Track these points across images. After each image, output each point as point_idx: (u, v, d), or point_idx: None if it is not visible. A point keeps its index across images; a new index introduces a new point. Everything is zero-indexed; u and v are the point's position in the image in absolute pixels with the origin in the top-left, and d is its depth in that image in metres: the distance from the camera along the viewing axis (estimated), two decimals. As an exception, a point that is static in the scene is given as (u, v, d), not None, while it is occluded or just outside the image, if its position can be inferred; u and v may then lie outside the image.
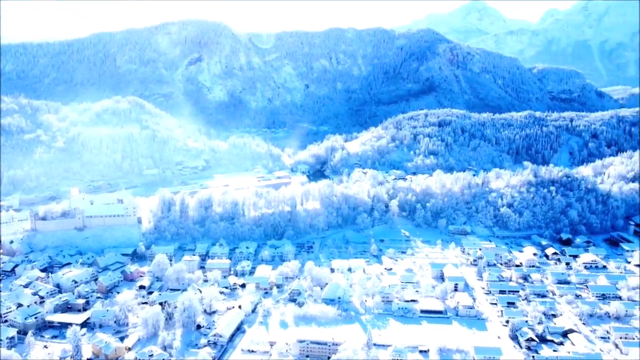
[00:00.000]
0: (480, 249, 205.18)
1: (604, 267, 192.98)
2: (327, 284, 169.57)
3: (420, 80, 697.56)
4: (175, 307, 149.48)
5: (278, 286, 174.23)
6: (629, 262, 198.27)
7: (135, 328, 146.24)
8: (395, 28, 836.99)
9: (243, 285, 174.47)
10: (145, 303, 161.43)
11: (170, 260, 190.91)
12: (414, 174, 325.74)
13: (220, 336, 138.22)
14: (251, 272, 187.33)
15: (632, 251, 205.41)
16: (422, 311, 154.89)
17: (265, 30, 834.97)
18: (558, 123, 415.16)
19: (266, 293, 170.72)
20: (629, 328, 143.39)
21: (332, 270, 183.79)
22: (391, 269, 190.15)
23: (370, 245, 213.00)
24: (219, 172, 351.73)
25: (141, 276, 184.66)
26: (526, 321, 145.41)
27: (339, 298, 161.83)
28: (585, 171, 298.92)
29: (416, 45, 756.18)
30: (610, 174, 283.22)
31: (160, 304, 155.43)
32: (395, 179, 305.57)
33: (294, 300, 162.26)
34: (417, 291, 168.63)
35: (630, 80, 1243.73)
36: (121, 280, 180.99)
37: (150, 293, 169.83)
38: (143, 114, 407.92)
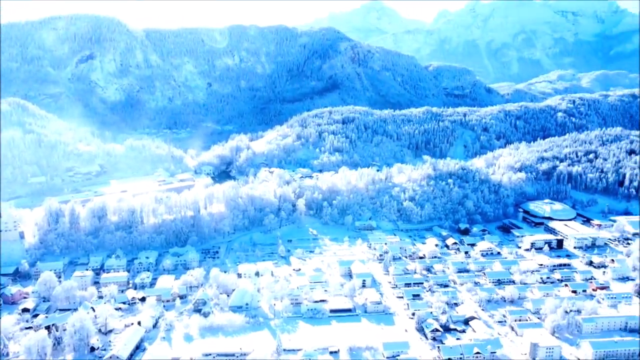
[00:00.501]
0: (385, 244, 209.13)
1: (499, 253, 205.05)
2: (234, 290, 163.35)
3: (324, 78, 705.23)
4: (65, 330, 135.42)
5: (182, 297, 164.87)
6: (520, 247, 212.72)
7: (17, 358, 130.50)
8: (297, 26, 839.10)
9: (143, 299, 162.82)
10: (30, 328, 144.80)
11: (59, 278, 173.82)
12: (320, 171, 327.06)
13: (117, 357, 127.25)
14: (152, 284, 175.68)
15: (522, 237, 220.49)
16: (332, 311, 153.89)
17: (163, 26, 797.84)
18: (453, 118, 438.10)
19: (169, 305, 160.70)
20: (522, 310, 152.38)
21: (239, 276, 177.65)
22: (300, 269, 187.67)
23: (278, 247, 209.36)
24: (116, 178, 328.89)
25: (24, 298, 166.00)
26: (431, 312, 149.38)
27: (247, 304, 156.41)
28: (478, 163, 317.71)
29: (319, 44, 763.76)
30: (501, 165, 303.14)
31: (47, 327, 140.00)
32: (301, 177, 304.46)
33: (199, 311, 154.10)
34: (326, 290, 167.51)
35: (514, 77, 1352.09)
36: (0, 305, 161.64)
37: (35, 316, 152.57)
38: (26, 116, 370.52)
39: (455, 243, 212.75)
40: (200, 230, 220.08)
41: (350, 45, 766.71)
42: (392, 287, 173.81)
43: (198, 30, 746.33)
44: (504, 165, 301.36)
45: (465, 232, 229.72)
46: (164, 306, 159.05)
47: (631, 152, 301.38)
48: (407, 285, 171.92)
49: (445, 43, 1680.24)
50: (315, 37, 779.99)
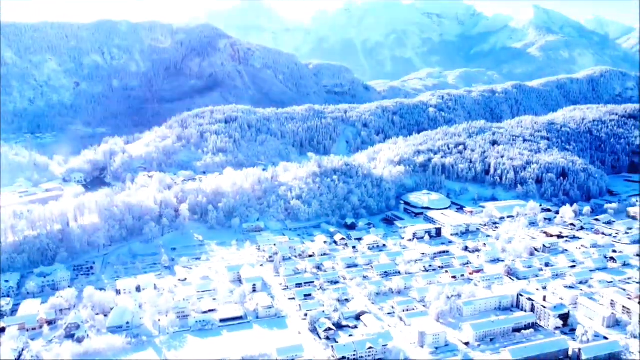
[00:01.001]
0: (274, 245, 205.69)
1: (384, 245, 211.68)
2: (112, 309, 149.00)
3: (204, 76, 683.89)
4: None
5: (50, 322, 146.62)
6: (403, 238, 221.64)
7: None
8: (173, 23, 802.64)
9: (2, 330, 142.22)
10: None
11: None
12: (204, 173, 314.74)
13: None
14: (13, 311, 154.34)
15: (404, 228, 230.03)
16: (222, 320, 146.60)
17: (20, 20, 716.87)
18: (334, 115, 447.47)
19: (35, 334, 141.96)
20: (409, 300, 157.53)
21: (118, 292, 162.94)
22: (186, 279, 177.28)
23: (160, 257, 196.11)
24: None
25: None
26: (323, 311, 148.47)
27: (128, 323, 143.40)
28: (360, 158, 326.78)
29: (196, 41, 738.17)
30: (381, 160, 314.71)
31: None
32: (184, 180, 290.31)
33: (71, 336, 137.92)
34: (214, 299, 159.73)
35: (388, 74, 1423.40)
36: None
37: None
38: None
39: (343, 238, 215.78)
40: (71, 245, 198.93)
41: (230, 42, 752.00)
42: (284, 289, 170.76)
43: (61, 25, 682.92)
44: (385, 159, 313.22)
45: (352, 226, 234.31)
46: (28, 336, 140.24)
47: (494, 142, 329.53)
48: (298, 285, 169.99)
49: (324, 42, 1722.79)
50: (193, 33, 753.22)
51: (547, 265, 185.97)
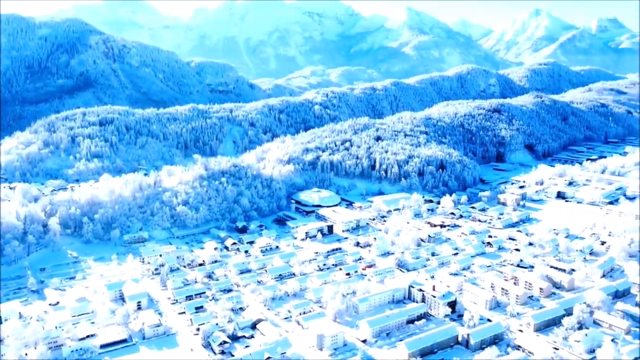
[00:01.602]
0: (160, 255, 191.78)
1: (277, 247, 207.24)
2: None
3: (74, 75, 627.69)
4: None
5: None
6: (296, 238, 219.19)
7: None
8: (35, 17, 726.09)
9: None
10: None
11: None
12: (77, 182, 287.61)
13: None
14: None
15: (297, 227, 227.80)
16: (102, 346, 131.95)
17: None
18: (220, 114, 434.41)
19: None
20: (305, 302, 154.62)
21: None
22: (58, 302, 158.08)
23: (27, 279, 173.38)
24: None
25: None
26: (217, 323, 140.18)
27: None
28: (249, 158, 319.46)
29: (63, 36, 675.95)
30: (270, 159, 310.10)
31: None
32: (53, 190, 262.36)
33: None
34: (93, 323, 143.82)
35: (273, 72, 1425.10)
36: None
37: None
38: None
39: (235, 243, 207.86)
40: None
41: (102, 39, 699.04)
42: (173, 303, 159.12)
43: None
44: (274, 158, 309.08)
45: (244, 230, 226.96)
46: None
47: (378, 138, 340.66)
48: (189, 298, 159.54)
49: (206, 39, 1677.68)
50: (59, 28, 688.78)
51: (433, 254, 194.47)
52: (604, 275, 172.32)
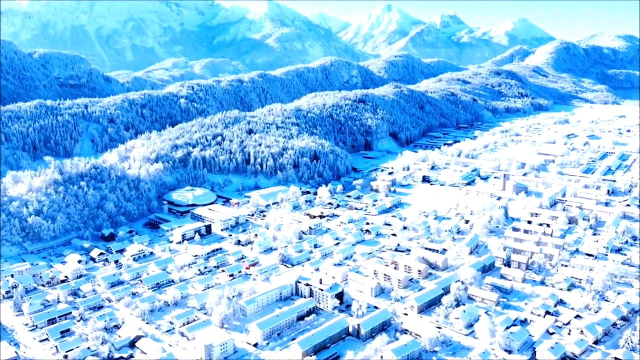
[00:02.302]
0: (11, 276, 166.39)
1: (152, 253, 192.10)
2: None
3: None
4: None
5: None
6: (172, 242, 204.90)
7: None
8: None
9: None
10: None
11: None
12: None
13: None
14: None
15: (172, 230, 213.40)
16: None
17: None
18: (73, 111, 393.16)
19: None
20: (188, 311, 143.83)
21: None
22: None
23: None
24: None
25: None
26: (88, 347, 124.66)
27: None
28: (111, 158, 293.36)
29: None
30: (136, 158, 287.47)
31: None
32: None
33: None
34: None
35: (130, 64, 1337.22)
36: None
37: None
38: None
39: (102, 253, 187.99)
40: None
41: None
42: (32, 330, 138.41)
43: None
44: (140, 157, 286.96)
45: (111, 237, 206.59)
46: None
47: (250, 131, 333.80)
48: (51, 321, 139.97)
49: (49, 28, 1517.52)
50: None
51: (315, 246, 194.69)
52: (471, 252, 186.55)
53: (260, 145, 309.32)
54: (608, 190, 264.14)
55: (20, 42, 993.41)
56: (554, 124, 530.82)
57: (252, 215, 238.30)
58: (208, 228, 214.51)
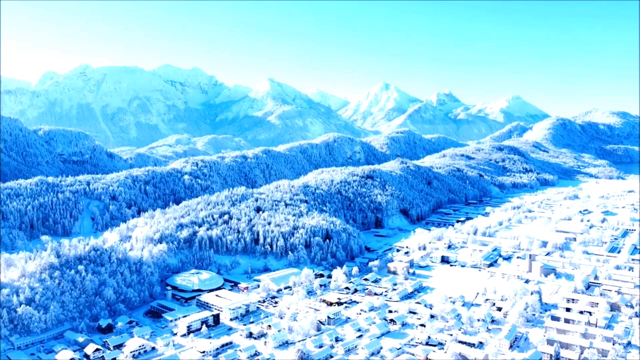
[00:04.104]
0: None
1: (153, 348, 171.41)
2: None
3: None
4: None
5: None
6: (176, 334, 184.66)
7: None
8: None
9: None
10: None
11: None
12: None
13: None
14: None
15: (176, 320, 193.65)
16: None
17: None
18: (75, 188, 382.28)
19: None
20: None
21: None
22: None
23: None
24: None
25: None
26: None
27: None
28: (112, 238, 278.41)
29: None
30: (138, 238, 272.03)
31: None
32: None
33: None
34: None
35: (133, 141, 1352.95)
36: None
37: None
38: None
39: (98, 349, 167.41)
40: None
41: None
42: None
43: None
44: (142, 237, 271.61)
45: (109, 329, 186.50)
46: None
47: (258, 209, 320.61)
48: None
49: (56, 106, 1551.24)
50: None
51: (337, 340, 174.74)
52: (511, 346, 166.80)
53: (269, 224, 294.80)
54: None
55: (27, 120, 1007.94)
56: (564, 199, 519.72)
57: (264, 301, 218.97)
58: (216, 318, 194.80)
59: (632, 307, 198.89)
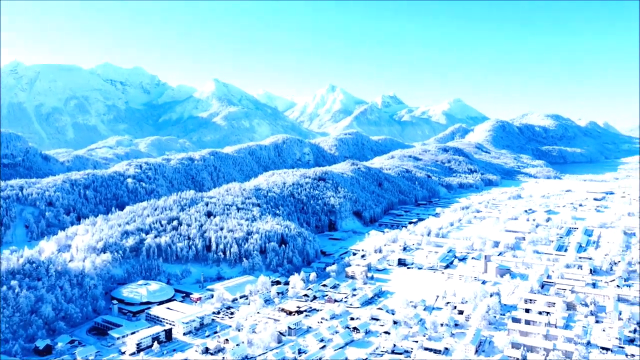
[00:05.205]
0: None
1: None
2: None
3: None
4: None
5: None
6: (124, 352, 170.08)
7: None
8: None
9: None
10: None
11: None
12: None
13: None
14: None
15: (123, 337, 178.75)
16: None
17: None
18: (7, 193, 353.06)
19: None
20: None
21: None
22: None
23: None
24: None
25: None
26: None
27: None
28: (48, 247, 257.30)
29: None
30: (79, 247, 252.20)
31: None
32: None
33: None
34: None
35: (71, 143, 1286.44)
36: None
37: None
38: None
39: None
40: None
41: None
42: None
43: None
44: (83, 246, 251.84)
45: (47, 351, 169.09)
46: None
47: (209, 214, 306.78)
48: None
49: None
50: None
51: (300, 352, 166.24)
52: (477, 351, 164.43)
53: (222, 229, 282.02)
54: (590, 270, 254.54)
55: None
56: (508, 199, 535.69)
57: (219, 312, 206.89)
58: (168, 333, 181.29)
59: (586, 305, 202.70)
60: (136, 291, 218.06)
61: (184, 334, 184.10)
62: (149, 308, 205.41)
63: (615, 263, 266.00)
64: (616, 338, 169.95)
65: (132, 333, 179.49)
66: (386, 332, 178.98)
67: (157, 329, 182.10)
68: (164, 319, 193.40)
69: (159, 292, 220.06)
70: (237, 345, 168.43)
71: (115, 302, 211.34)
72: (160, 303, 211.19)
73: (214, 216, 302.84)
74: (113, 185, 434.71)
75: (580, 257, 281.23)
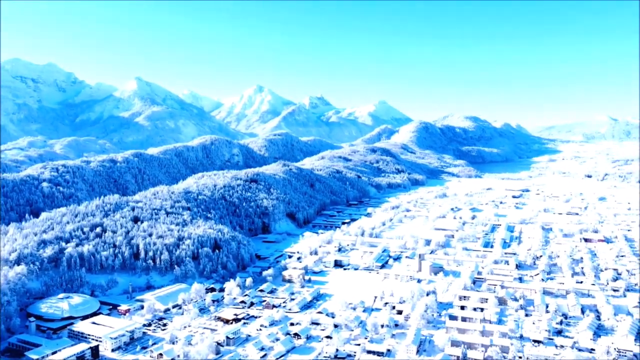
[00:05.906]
0: None
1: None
2: None
3: None
4: None
5: None
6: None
7: None
8: None
9: None
10: None
11: None
12: None
13: None
14: None
15: (44, 357, 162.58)
16: None
17: None
18: None
19: None
20: None
21: None
22: None
23: None
24: None
25: None
26: None
27: None
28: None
29: None
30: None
31: None
32: None
33: None
34: None
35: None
36: None
37: None
38: None
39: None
40: None
41: None
42: None
43: None
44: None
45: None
46: None
47: (136, 219, 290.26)
48: None
49: None
50: None
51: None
52: (418, 351, 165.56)
53: (150, 235, 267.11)
54: (516, 265, 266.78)
55: None
56: (435, 198, 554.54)
57: (150, 325, 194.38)
58: (94, 350, 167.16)
59: (516, 300, 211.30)
60: (56, 306, 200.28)
61: (113, 350, 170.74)
62: (71, 324, 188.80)
63: (538, 257, 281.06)
64: (546, 330, 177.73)
65: (53, 353, 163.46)
66: (328, 337, 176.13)
67: (81, 346, 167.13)
68: (89, 335, 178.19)
69: (83, 306, 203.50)
70: (172, 359, 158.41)
71: (32, 319, 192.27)
72: (85, 317, 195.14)
73: (142, 221, 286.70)
74: (26, 190, 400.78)
75: (505, 253, 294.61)
